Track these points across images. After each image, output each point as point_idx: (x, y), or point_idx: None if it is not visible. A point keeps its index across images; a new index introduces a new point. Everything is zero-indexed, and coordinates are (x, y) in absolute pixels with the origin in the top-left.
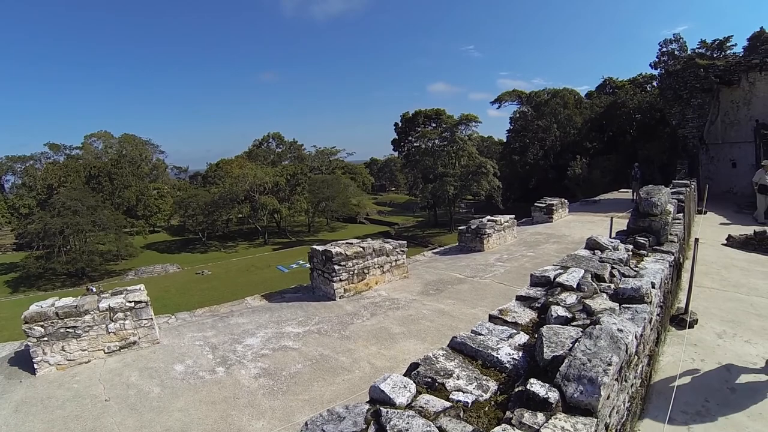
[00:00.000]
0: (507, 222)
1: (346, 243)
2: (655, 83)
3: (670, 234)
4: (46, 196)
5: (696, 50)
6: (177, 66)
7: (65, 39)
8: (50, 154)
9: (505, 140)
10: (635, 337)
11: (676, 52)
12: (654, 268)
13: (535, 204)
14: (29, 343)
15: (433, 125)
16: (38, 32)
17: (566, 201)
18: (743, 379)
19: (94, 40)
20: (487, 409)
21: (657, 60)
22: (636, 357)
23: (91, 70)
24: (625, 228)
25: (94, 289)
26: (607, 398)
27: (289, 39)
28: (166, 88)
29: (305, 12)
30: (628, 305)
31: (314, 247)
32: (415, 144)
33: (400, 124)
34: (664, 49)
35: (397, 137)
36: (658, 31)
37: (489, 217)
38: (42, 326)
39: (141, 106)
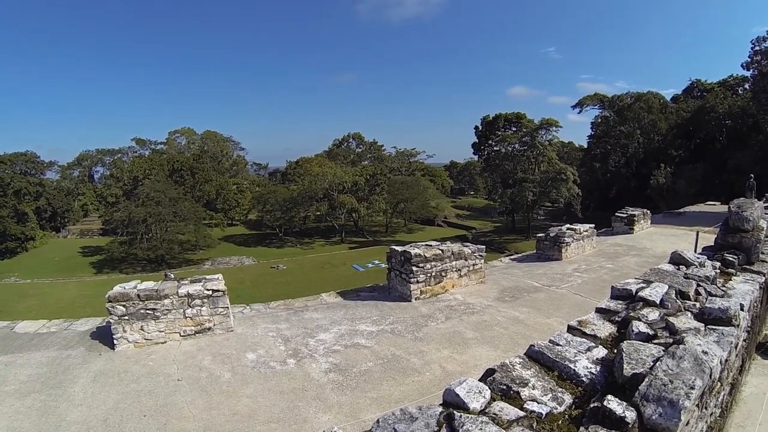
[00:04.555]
0: (586, 231)
1: (425, 245)
2: (747, 86)
3: (762, 253)
4: (131, 187)
5: None
6: (259, 68)
7: (156, 44)
8: (136, 148)
9: (585, 146)
10: (720, 361)
11: None
12: (743, 288)
13: (616, 214)
14: (111, 321)
15: (513, 129)
16: (129, 39)
17: (648, 212)
18: None
19: (186, 45)
20: (560, 422)
21: (749, 60)
22: (719, 383)
23: (179, 72)
24: (712, 244)
25: (172, 275)
26: (686, 424)
27: (366, 42)
28: (246, 87)
29: (380, 15)
30: (713, 326)
31: (393, 247)
32: (495, 148)
33: (480, 128)
34: (757, 48)
35: (477, 140)
36: (750, 28)
37: (568, 226)
38: (124, 306)
39: (223, 105)
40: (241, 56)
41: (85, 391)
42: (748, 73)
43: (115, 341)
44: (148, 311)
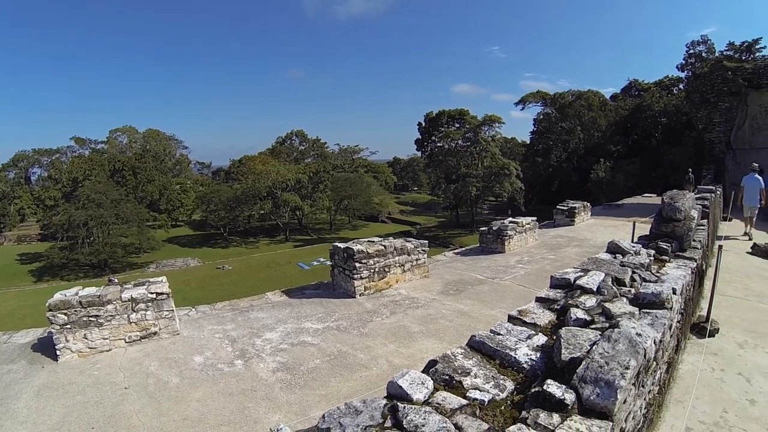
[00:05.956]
0: (528, 224)
1: (368, 241)
2: (681, 86)
3: (694, 240)
4: (71, 189)
5: (724, 52)
6: (201, 64)
7: (91, 35)
8: (76, 148)
9: (528, 142)
10: (654, 342)
11: (703, 54)
12: (676, 274)
13: (558, 207)
14: (52, 330)
15: (457, 125)
16: (65, 28)
17: (589, 204)
18: (764, 390)
19: (120, 35)
20: (503, 408)
21: (684, 62)
22: (654, 363)
23: (117, 65)
24: (648, 233)
25: (116, 280)
26: (624, 402)
27: (312, 38)
28: (191, 84)
29: (327, 12)
30: (648, 310)
31: (336, 244)
32: (438, 144)
33: (423, 124)
34: (691, 51)
35: (420, 137)
36: (685, 33)
37: (511, 219)
38: (65, 314)
39: (166, 102)
40: (182, 50)
41: (29, 406)
42: (682, 75)
43: (57, 352)
44: (91, 318)
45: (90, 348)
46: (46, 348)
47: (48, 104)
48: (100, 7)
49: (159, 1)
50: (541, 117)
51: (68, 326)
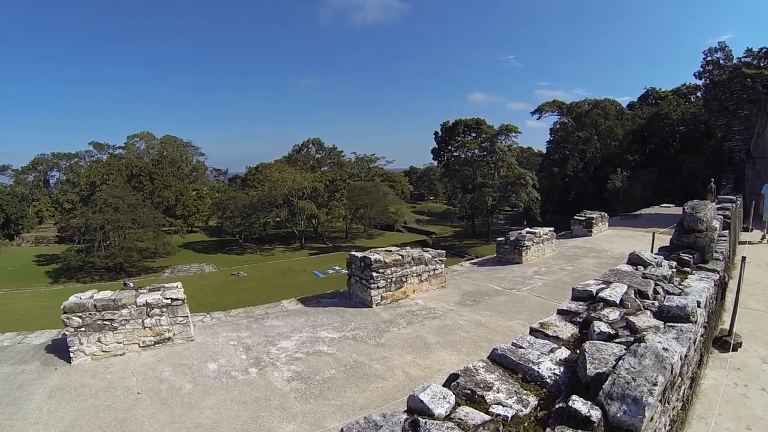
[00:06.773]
0: (546, 234)
1: (385, 250)
2: (699, 94)
3: (716, 251)
4: (88, 193)
5: (742, 59)
6: (218, 71)
7: (112, 42)
8: (94, 153)
9: (544, 151)
10: (680, 357)
11: (721, 62)
12: (699, 286)
13: (575, 217)
14: (67, 333)
15: (473, 135)
16: (85, 36)
17: (606, 215)
18: None
19: (136, 42)
20: (526, 424)
21: (701, 69)
22: (680, 378)
23: (134, 71)
24: (668, 244)
25: (131, 284)
26: (651, 420)
27: (327, 47)
28: (208, 92)
29: (342, 21)
30: (672, 324)
31: (353, 253)
32: (454, 153)
33: (440, 133)
34: (709, 58)
35: (436, 146)
36: (702, 40)
37: (528, 229)
38: (80, 317)
39: (183, 109)
40: (200, 59)
41: (41, 408)
42: (700, 82)
43: (71, 354)
44: (105, 322)
45: (103, 351)
46: (60, 350)
47: (67, 109)
48: (114, 14)
49: (174, 8)
50: (558, 126)
51: (82, 329)
